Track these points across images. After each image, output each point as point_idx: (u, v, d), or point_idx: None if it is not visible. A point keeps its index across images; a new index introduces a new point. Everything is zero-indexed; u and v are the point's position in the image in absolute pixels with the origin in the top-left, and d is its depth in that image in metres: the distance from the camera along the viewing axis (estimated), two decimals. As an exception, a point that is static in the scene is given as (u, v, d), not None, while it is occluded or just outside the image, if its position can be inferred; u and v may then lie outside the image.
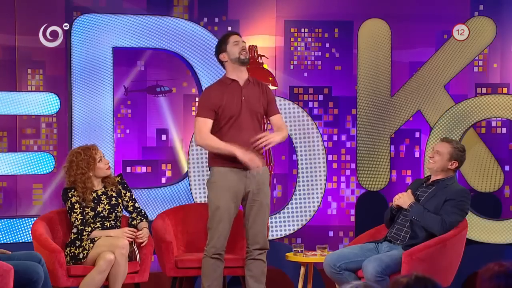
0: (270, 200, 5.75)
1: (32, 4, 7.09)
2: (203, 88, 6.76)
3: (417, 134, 7.50)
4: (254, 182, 5.61)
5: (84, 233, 5.69)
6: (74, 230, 5.72)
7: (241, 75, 5.64)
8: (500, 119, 7.31)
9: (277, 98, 6.92)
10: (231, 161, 5.54)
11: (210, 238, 5.64)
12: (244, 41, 5.71)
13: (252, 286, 5.69)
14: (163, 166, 7.43)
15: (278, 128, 5.73)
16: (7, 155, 6.71)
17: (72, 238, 5.71)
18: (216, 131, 5.61)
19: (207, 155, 5.87)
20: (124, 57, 7.27)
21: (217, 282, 5.67)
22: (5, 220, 6.64)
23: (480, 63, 7.50)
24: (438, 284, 2.71)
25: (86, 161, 5.78)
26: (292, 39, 7.52)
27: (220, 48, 5.67)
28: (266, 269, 5.74)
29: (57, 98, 6.74)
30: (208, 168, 5.84)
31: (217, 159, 5.60)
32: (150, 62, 7.42)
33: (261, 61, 6.82)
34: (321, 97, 7.52)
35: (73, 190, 5.77)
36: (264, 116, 5.73)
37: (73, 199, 5.75)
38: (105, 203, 5.80)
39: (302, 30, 7.52)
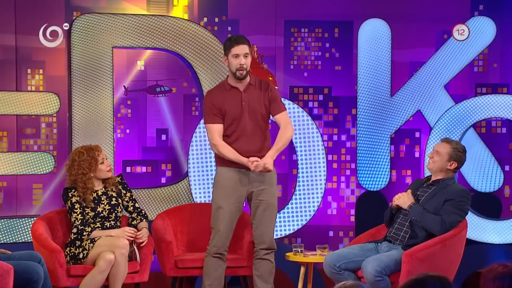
0: (277, 201, 5.75)
1: (32, 4, 7.08)
2: (203, 88, 6.77)
3: (417, 134, 7.49)
4: (258, 183, 5.63)
5: (84, 233, 5.69)
6: (74, 230, 5.72)
7: (240, 84, 5.63)
8: (500, 119, 7.31)
9: (277, 98, 6.93)
10: (235, 162, 5.56)
11: (212, 237, 5.68)
12: (247, 54, 5.56)
13: (259, 286, 5.71)
14: (163, 166, 7.42)
15: (282, 127, 5.70)
16: (7, 155, 6.70)
17: (72, 238, 5.70)
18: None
19: (211, 155, 5.86)
20: (124, 57, 7.26)
21: (218, 282, 5.68)
22: (5, 220, 6.63)
23: (480, 63, 7.50)
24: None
25: (88, 161, 5.77)
26: (292, 39, 7.51)
27: (224, 51, 5.65)
28: (274, 270, 5.77)
29: (57, 98, 6.73)
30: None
31: (221, 159, 5.62)
32: (150, 62, 7.42)
33: (261, 61, 6.82)
34: (321, 97, 7.51)
35: (73, 190, 5.77)
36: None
37: (73, 199, 5.75)
38: (105, 203, 5.80)
39: (302, 30, 7.52)
